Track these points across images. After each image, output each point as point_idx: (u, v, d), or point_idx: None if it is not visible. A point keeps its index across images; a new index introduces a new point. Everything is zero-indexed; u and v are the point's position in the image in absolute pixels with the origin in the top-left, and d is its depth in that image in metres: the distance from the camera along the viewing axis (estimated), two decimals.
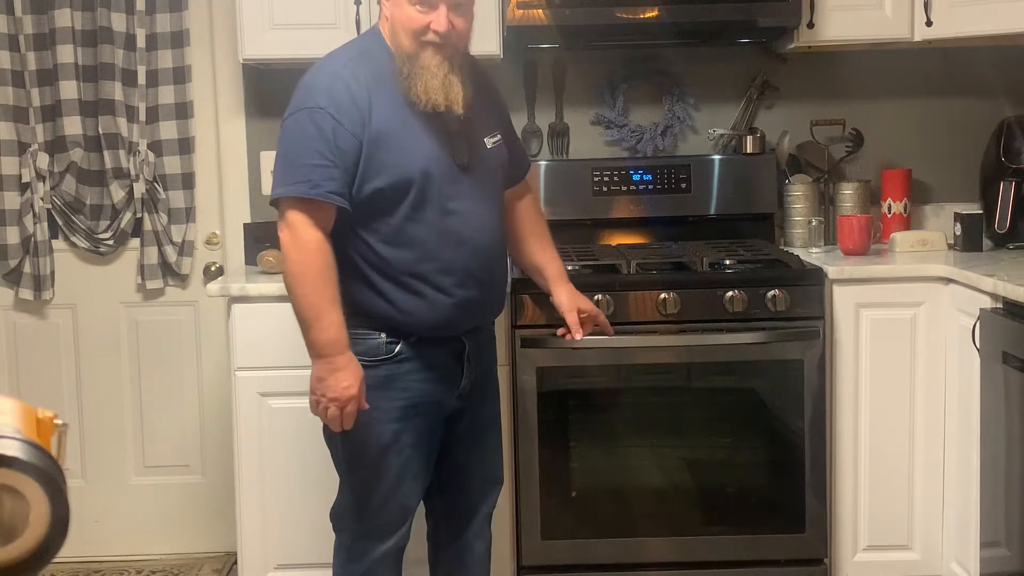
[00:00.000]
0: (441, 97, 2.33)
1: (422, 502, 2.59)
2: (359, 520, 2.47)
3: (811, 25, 3.26)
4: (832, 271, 3.07)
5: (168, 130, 3.58)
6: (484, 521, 2.65)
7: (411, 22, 2.32)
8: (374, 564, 2.46)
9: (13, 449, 1.02)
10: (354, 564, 2.48)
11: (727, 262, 3.09)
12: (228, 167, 3.63)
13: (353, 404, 2.32)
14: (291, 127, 2.33)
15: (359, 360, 2.41)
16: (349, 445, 2.44)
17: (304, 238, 2.29)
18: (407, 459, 2.43)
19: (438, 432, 2.50)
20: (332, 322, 2.30)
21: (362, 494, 2.45)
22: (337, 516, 2.53)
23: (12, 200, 3.58)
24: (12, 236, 3.59)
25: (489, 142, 2.48)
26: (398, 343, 2.41)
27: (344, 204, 2.30)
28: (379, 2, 2.43)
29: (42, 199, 3.56)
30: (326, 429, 2.45)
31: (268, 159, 3.42)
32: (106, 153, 3.55)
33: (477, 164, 2.42)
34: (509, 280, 2.98)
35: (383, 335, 2.41)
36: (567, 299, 2.75)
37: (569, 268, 3.06)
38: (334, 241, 2.34)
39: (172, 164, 3.59)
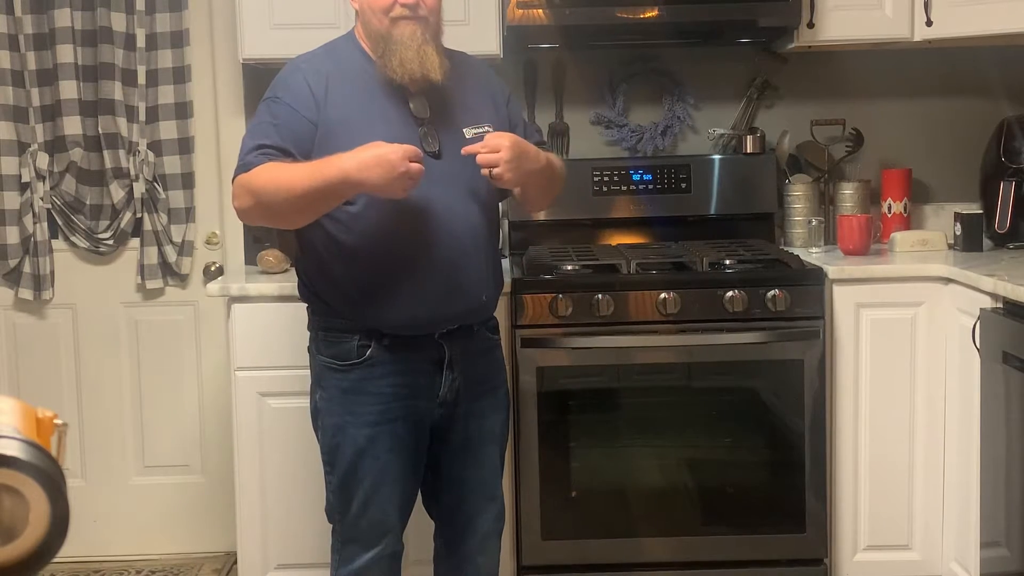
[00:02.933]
0: (416, 66, 2.33)
1: (424, 505, 2.59)
2: (343, 524, 2.46)
3: (811, 25, 3.26)
4: (832, 271, 3.07)
5: (168, 130, 3.58)
6: (487, 538, 2.57)
7: (379, 1, 2.35)
8: (363, 570, 2.44)
9: (13, 449, 1.02)
10: (344, 568, 2.47)
11: (727, 262, 3.09)
12: (228, 167, 3.60)
13: (403, 152, 2.19)
14: (252, 119, 2.44)
15: (330, 364, 2.41)
16: (327, 446, 2.44)
17: (247, 177, 2.32)
18: (383, 465, 2.39)
19: (422, 441, 2.45)
20: (308, 165, 2.26)
21: (342, 497, 2.44)
22: (328, 515, 2.52)
23: (12, 200, 3.58)
24: (12, 236, 3.58)
25: (470, 132, 2.42)
26: (369, 346, 2.37)
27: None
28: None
29: (42, 199, 3.56)
30: (315, 427, 2.47)
31: None
32: (106, 153, 3.55)
33: (452, 153, 2.38)
34: (508, 280, 2.99)
35: (356, 338, 2.38)
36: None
37: (569, 268, 3.07)
38: (308, 232, 2.38)
39: (172, 164, 3.59)
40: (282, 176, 2.27)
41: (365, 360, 2.38)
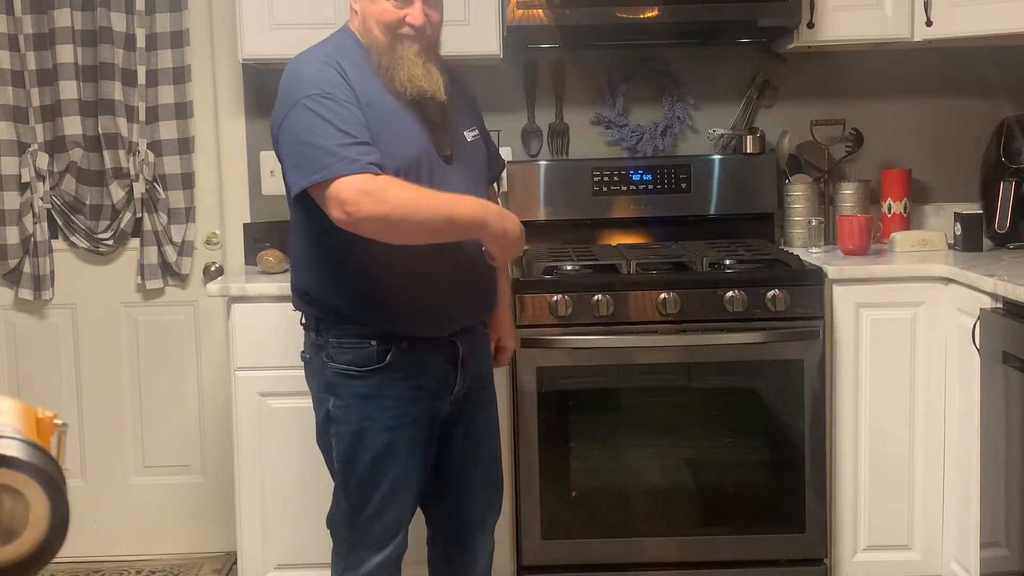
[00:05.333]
0: (427, 83, 2.32)
1: (420, 507, 2.58)
2: (353, 530, 2.44)
3: (811, 25, 3.26)
4: (832, 271, 3.07)
5: (168, 130, 3.58)
6: (487, 532, 2.60)
7: (386, 15, 2.32)
8: (372, 574, 2.44)
9: (13, 449, 1.02)
10: (351, 573, 2.46)
11: (727, 262, 3.09)
12: (228, 167, 3.63)
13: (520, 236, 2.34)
14: (299, 118, 2.22)
15: (348, 371, 2.37)
16: (344, 454, 2.42)
17: (378, 185, 2.16)
18: (402, 469, 2.39)
19: (434, 440, 2.46)
20: (459, 198, 2.27)
21: (357, 504, 2.42)
22: (333, 523, 2.50)
23: (12, 200, 3.58)
24: (12, 236, 3.59)
25: (468, 135, 2.46)
26: (389, 350, 2.35)
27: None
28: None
29: (42, 199, 3.56)
30: (320, 435, 2.45)
31: (268, 159, 3.43)
32: (106, 153, 3.55)
33: (460, 155, 2.40)
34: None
35: (374, 343, 2.35)
36: (507, 334, 2.70)
37: (569, 268, 3.07)
38: (320, 238, 2.30)
39: (172, 164, 3.59)
40: (426, 196, 2.22)
41: (385, 364, 2.36)
